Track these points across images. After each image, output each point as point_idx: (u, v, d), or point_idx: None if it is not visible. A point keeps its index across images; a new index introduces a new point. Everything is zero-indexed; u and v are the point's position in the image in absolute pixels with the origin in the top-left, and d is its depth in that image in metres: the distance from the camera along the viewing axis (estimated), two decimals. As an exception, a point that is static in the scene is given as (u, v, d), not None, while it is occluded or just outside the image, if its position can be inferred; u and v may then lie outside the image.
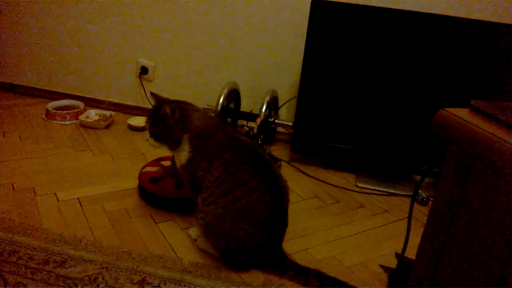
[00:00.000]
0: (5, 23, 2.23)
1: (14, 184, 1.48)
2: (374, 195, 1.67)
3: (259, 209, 1.12)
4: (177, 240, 1.29)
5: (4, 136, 1.84)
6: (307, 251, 1.29)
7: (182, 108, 1.21)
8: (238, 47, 2.00)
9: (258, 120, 1.75)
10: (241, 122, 2.04)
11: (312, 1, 1.60)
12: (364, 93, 1.67)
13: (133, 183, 1.56)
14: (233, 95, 1.96)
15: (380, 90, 1.66)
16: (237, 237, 1.12)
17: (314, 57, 1.68)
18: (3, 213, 1.33)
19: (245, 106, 2.04)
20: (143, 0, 2.02)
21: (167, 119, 1.19)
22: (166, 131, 1.20)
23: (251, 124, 1.91)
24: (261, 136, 1.79)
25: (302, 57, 1.68)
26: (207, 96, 2.09)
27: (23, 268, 1.11)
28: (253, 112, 1.97)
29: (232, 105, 1.97)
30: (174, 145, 1.22)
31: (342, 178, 1.78)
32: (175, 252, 1.23)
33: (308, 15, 1.62)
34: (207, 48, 2.03)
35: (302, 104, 1.75)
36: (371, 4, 1.62)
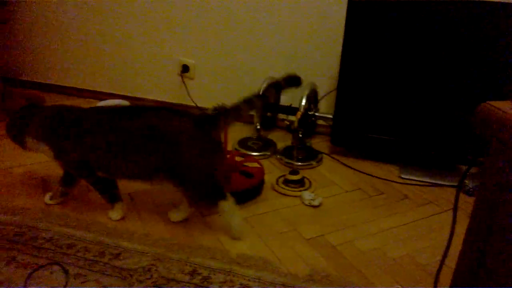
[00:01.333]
0: (52, 27, 2.34)
1: (69, 181, 1.57)
2: (418, 186, 1.65)
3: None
4: (223, 233, 1.33)
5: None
6: (352, 243, 1.30)
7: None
8: (275, 42, 2.02)
9: (299, 114, 1.77)
10: (281, 116, 2.06)
11: (349, 1, 1.60)
12: (405, 83, 1.65)
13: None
14: (273, 89, 1.98)
15: (422, 80, 1.63)
16: None
17: (352, 49, 1.67)
18: (59, 208, 1.42)
19: (284, 100, 2.06)
20: (184, 3, 2.07)
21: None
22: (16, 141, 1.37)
23: (291, 118, 1.93)
24: (302, 130, 1.81)
25: (341, 49, 1.69)
26: (247, 91, 2.12)
27: (81, 260, 1.18)
28: (292, 105, 1.99)
29: (271, 100, 2.00)
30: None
31: (384, 170, 1.77)
32: (222, 244, 1.28)
33: (345, 7, 1.62)
34: (245, 44, 2.06)
35: (342, 96, 1.75)
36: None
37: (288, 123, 1.88)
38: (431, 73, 1.62)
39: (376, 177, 1.70)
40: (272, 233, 1.34)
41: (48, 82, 2.50)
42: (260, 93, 1.25)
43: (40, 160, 1.69)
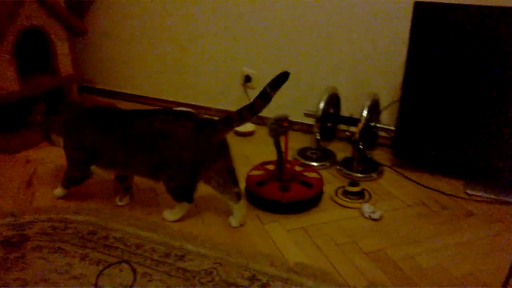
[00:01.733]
0: (124, 39, 2.50)
1: (139, 185, 1.66)
2: (484, 203, 1.58)
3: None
4: (282, 241, 1.35)
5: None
6: (413, 259, 1.28)
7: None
8: (337, 52, 2.02)
9: (360, 125, 1.76)
10: (341, 126, 2.06)
11: (415, 2, 1.58)
12: (472, 95, 1.60)
13: (241, 185, 1.65)
14: (333, 99, 1.99)
15: (491, 91, 1.57)
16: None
17: (417, 60, 1.64)
18: (129, 210, 1.51)
19: (345, 111, 2.06)
20: (248, 14, 2.14)
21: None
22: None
23: (351, 128, 1.92)
24: (362, 141, 1.80)
25: (404, 59, 1.66)
26: (307, 101, 2.14)
27: (148, 260, 1.26)
28: (353, 116, 1.98)
29: (332, 110, 2.00)
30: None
31: (449, 184, 1.71)
32: (281, 252, 1.30)
33: (409, 16, 1.60)
34: (307, 56, 2.09)
35: (405, 107, 1.73)
36: (477, 4, 1.55)
37: (349, 134, 1.87)
38: (500, 84, 1.55)
39: (440, 191, 1.66)
40: (331, 244, 1.35)
41: (120, 90, 2.66)
42: (268, 92, 1.28)
43: (112, 164, 1.81)
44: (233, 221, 1.43)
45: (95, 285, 1.16)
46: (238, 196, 1.41)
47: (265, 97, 1.29)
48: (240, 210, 1.42)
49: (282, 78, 1.29)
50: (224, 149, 1.38)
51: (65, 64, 2.10)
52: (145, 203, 1.55)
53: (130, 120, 1.37)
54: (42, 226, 1.41)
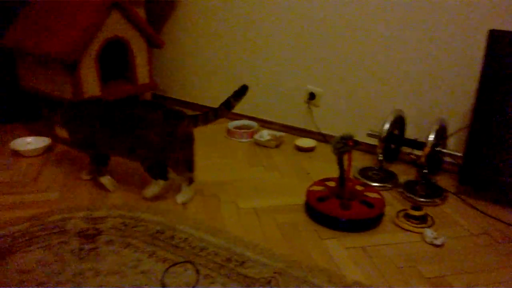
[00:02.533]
0: (194, 52, 2.63)
1: (203, 191, 1.74)
2: (557, 239, 1.51)
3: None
4: (340, 258, 1.37)
5: (193, 149, 2.17)
6: (475, 289, 1.25)
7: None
8: (404, 73, 2.01)
9: (426, 150, 1.74)
10: (405, 149, 2.04)
11: (490, 30, 1.56)
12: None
13: (300, 199, 1.69)
14: (398, 121, 1.98)
15: None
16: None
17: (491, 86, 1.61)
18: (194, 213, 1.59)
19: (409, 133, 2.04)
20: (315, 33, 2.18)
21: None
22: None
23: (416, 152, 1.90)
24: (427, 165, 1.77)
25: (473, 84, 1.63)
26: (371, 122, 2.15)
27: (211, 263, 1.32)
28: (417, 139, 1.96)
29: (396, 131, 1.99)
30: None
31: (517, 217, 1.65)
32: (339, 269, 1.32)
33: (480, 42, 1.57)
34: (374, 76, 2.10)
35: (475, 134, 1.69)
36: None
37: (414, 157, 1.85)
38: None
39: (507, 223, 1.60)
40: (390, 266, 1.34)
41: (189, 101, 2.78)
42: (232, 101, 1.57)
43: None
44: (179, 198, 1.68)
45: (161, 281, 1.23)
46: (190, 180, 1.68)
47: (228, 105, 1.55)
48: (188, 191, 1.69)
49: (242, 90, 1.55)
50: (189, 141, 1.63)
51: (142, 73, 2.24)
52: (208, 209, 1.63)
53: (114, 108, 1.62)
54: (114, 222, 1.51)
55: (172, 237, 1.43)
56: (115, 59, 2.20)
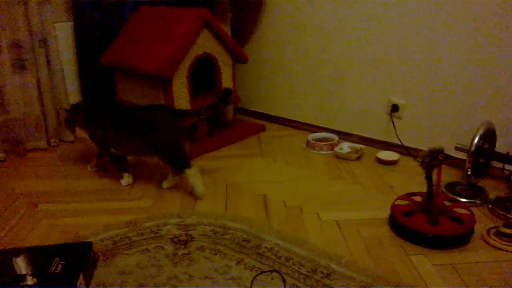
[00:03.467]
0: (277, 66, 2.70)
1: (286, 202, 1.79)
2: None
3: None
4: (429, 275, 1.34)
5: (275, 161, 2.22)
6: None
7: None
8: (494, 85, 1.92)
9: (521, 165, 1.66)
10: (496, 164, 1.94)
11: None
12: None
13: (384, 213, 1.68)
14: (488, 134, 1.89)
15: None
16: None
17: None
18: (278, 224, 1.64)
19: (500, 147, 1.94)
20: (398, 44, 2.16)
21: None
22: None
23: (508, 167, 1.81)
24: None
25: None
26: (457, 135, 2.07)
27: (296, 273, 1.35)
28: (510, 153, 1.86)
29: (486, 145, 1.90)
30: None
31: None
32: (427, 285, 1.29)
33: None
34: (460, 88, 2.02)
35: None
36: None
37: (507, 172, 1.76)
38: None
39: None
40: (482, 285, 1.29)
41: (274, 114, 2.86)
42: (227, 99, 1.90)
43: (264, 180, 1.98)
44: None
45: (250, 288, 1.29)
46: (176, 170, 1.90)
47: (225, 100, 1.88)
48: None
49: (226, 95, 1.87)
50: (188, 134, 1.86)
51: (227, 87, 2.35)
52: (290, 219, 1.67)
53: (125, 114, 1.84)
54: (204, 229, 1.60)
55: (258, 246, 1.49)
56: (202, 73, 2.33)
